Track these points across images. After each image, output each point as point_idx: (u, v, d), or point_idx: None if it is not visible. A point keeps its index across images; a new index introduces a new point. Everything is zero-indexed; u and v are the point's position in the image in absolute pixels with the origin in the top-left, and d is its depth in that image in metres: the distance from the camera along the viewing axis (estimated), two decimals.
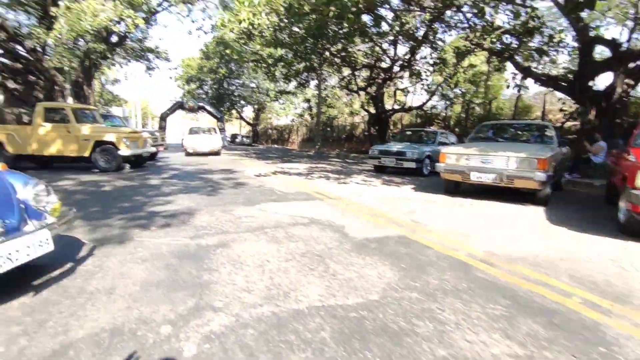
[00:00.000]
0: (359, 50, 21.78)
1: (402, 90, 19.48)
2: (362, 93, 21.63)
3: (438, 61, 16.98)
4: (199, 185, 7.44)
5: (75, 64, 17.29)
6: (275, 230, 4.11)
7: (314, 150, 24.48)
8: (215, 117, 28.34)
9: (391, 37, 16.47)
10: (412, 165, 9.77)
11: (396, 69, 18.73)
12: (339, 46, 20.20)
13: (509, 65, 14.32)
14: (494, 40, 12.09)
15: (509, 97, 20.21)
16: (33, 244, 2.37)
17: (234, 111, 42.13)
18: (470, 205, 5.87)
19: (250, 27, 11.88)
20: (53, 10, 12.76)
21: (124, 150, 9.70)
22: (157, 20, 22.64)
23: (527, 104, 19.39)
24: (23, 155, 9.76)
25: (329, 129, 29.73)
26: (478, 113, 19.15)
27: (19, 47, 16.81)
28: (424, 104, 18.64)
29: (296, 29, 16.66)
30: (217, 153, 16.95)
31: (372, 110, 21.67)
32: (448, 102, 18.51)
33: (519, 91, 15.15)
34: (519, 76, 12.85)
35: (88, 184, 7.42)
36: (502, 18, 12.93)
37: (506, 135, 7.65)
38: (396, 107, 20.48)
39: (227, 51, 23.48)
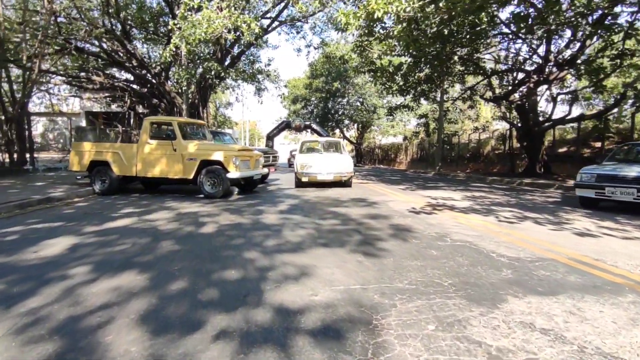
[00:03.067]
0: (491, 52, 17.90)
1: (572, 93, 14.77)
2: (500, 102, 17.40)
3: (627, 52, 12.16)
4: (338, 228, 4.80)
5: (192, 85, 17.06)
6: None
7: (433, 171, 20.77)
8: (321, 136, 26.76)
9: (545, 28, 12.32)
10: None
11: (547, 69, 14.30)
12: (465, 51, 16.70)
13: None
14: None
15: None
16: None
17: (337, 130, 40.64)
18: None
19: (385, 16, 9.32)
20: (170, 22, 12.05)
21: (233, 173, 7.73)
22: (267, 41, 21.85)
23: None
24: (129, 177, 8.47)
25: (447, 147, 25.67)
26: None
27: (145, 73, 17.29)
28: (608, 110, 13.70)
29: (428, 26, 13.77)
30: (346, 183, 10.64)
31: (506, 122, 17.27)
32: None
33: None
34: None
35: (185, 219, 5.34)
36: None
37: None
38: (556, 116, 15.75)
39: (337, 56, 21.56)
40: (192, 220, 5.29)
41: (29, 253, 3.59)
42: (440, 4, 9.34)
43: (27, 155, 12.99)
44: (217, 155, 7.84)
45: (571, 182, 10.72)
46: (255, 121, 64.38)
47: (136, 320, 2.20)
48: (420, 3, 9.08)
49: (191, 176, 7.96)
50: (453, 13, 9.54)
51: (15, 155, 12.14)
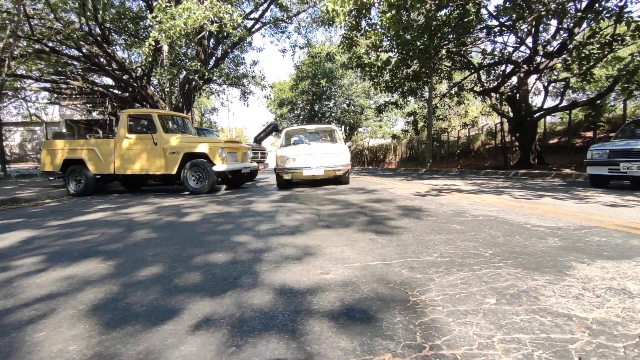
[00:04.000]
0: (478, 45, 17.74)
1: (563, 80, 14.52)
2: (490, 95, 17.19)
3: (617, 38, 11.98)
4: (339, 212, 4.23)
5: (175, 87, 16.43)
6: None
7: (425, 168, 20.41)
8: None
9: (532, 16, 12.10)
10: None
11: (538, 58, 14.12)
12: (452, 45, 16.48)
13: None
14: None
15: None
16: None
17: None
18: None
19: (374, 1, 8.89)
20: (149, 16, 11.44)
21: (219, 165, 7.12)
22: (252, 43, 21.36)
23: None
24: (106, 175, 7.77)
25: (437, 144, 25.40)
26: None
27: (127, 77, 16.57)
28: (601, 96, 13.47)
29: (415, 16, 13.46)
30: (342, 179, 8.21)
31: (497, 115, 17.03)
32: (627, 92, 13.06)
33: None
34: None
35: (165, 211, 4.71)
36: None
37: None
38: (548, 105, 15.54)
39: (324, 50, 21.19)
40: (174, 212, 4.66)
41: None
42: None
43: None
44: (202, 147, 7.22)
45: (568, 171, 10.39)
46: (242, 128, 63.43)
47: (85, 312, 1.59)
48: None
49: (174, 171, 7.32)
50: None
51: None
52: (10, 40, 11.66)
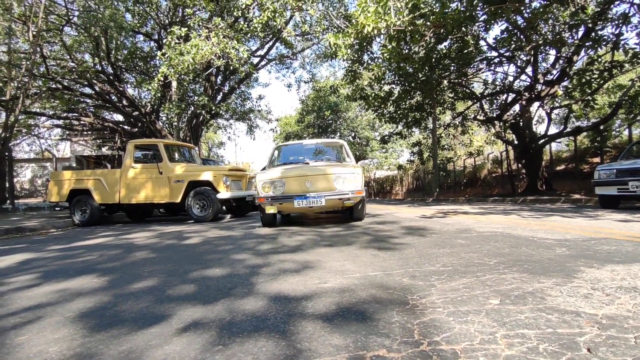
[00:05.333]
0: (479, 76, 18.12)
1: (566, 107, 14.63)
2: (494, 123, 17.32)
3: (616, 64, 12.17)
4: (342, 233, 4.17)
5: (183, 121, 16.87)
6: None
7: (432, 198, 20.25)
8: None
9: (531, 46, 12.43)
10: None
11: (538, 87, 14.33)
12: (454, 76, 16.88)
13: None
14: None
15: None
16: None
17: None
18: None
19: (375, 32, 9.21)
20: (158, 54, 11.97)
21: (223, 193, 7.13)
22: (258, 79, 22.11)
23: None
24: (111, 205, 7.81)
25: (443, 173, 25.35)
26: None
27: (137, 114, 17.08)
28: (605, 121, 13.47)
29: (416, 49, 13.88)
30: (355, 213, 5.35)
31: (503, 142, 17.07)
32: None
33: None
34: None
35: (167, 236, 4.68)
36: None
37: None
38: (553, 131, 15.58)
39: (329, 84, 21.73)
40: (175, 236, 4.63)
41: None
42: (431, 17, 9.30)
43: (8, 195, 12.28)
44: (206, 176, 7.28)
45: (577, 196, 10.22)
46: (249, 163, 64.23)
47: (71, 319, 1.53)
48: (411, 16, 9.03)
49: (178, 199, 7.34)
50: (443, 25, 9.45)
51: None
52: (26, 79, 12.19)
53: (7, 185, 12.27)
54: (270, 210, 4.89)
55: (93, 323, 1.47)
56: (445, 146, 24.75)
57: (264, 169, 6.36)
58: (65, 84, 14.65)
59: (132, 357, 1.13)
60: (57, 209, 8.37)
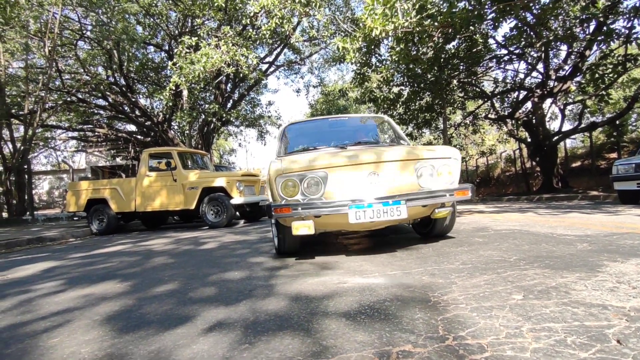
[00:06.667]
0: (490, 74, 17.95)
1: (581, 102, 14.39)
2: (506, 121, 17.11)
3: (630, 57, 11.92)
4: (358, 235, 4.12)
5: (195, 128, 17.10)
6: None
7: None
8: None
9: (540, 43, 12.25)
10: None
11: (551, 82, 14.11)
12: (463, 75, 16.74)
13: None
14: None
15: None
16: None
17: None
18: None
19: (383, 34, 9.23)
20: (169, 64, 12.19)
21: (237, 198, 7.19)
22: (267, 85, 22.29)
23: None
24: (127, 213, 7.95)
25: None
26: None
27: (150, 124, 17.39)
28: (620, 115, 13.18)
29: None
30: (437, 227, 3.13)
31: (516, 140, 16.83)
32: None
33: None
34: None
35: (184, 242, 4.74)
36: None
37: None
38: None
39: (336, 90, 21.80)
40: (192, 242, 4.69)
41: None
42: (439, 17, 9.27)
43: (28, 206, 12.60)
44: (219, 182, 7.36)
45: (595, 193, 10.01)
46: (260, 169, 64.70)
47: (99, 321, 1.57)
48: (418, 17, 9.01)
49: (193, 206, 7.43)
50: (451, 25, 9.41)
51: (14, 205, 11.76)
52: (42, 93, 12.54)
53: (27, 197, 12.60)
54: (301, 229, 2.52)
55: (120, 325, 1.50)
56: (457, 146, 24.48)
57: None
58: (80, 96, 15.00)
59: (161, 357, 1.16)
60: (75, 218, 8.55)
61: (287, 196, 2.58)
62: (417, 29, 9.66)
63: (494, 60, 16.22)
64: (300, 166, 2.57)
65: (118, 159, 23.78)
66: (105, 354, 1.22)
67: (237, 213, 7.86)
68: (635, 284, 1.48)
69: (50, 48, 11.19)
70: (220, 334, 1.32)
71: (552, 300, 1.37)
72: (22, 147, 11.94)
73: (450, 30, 10.84)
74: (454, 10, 8.68)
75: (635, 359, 0.91)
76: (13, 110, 13.39)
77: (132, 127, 19.71)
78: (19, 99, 13.77)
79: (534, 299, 1.41)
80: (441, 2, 9.55)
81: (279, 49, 17.99)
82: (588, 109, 16.49)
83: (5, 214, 12.46)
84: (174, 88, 11.63)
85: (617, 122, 13.27)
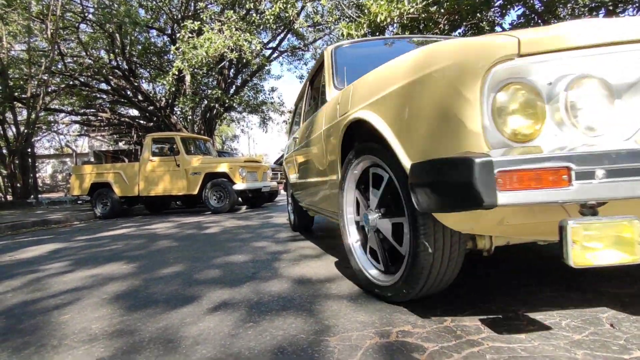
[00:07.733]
0: None
1: None
2: None
3: None
4: None
5: (198, 114, 17.05)
6: None
7: None
8: None
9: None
10: None
11: None
12: None
13: None
14: None
15: None
16: None
17: None
18: None
19: (387, 20, 9.13)
20: (172, 48, 12.09)
21: (239, 184, 7.23)
22: (270, 71, 22.06)
23: None
24: (130, 197, 8.02)
25: None
26: None
27: (152, 108, 17.34)
28: None
29: None
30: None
31: None
32: None
33: None
34: None
35: (187, 226, 4.80)
36: None
37: None
38: None
39: None
40: (195, 226, 4.74)
41: (2, 258, 3.06)
42: (445, 4, 9.15)
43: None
44: (222, 167, 7.39)
45: None
46: (262, 155, 64.62)
47: (108, 300, 1.62)
48: (424, 4, 8.89)
49: (195, 191, 7.48)
50: (458, 12, 9.29)
51: (18, 188, 11.86)
52: (45, 76, 12.50)
53: (31, 180, 12.69)
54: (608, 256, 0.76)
55: (128, 304, 1.55)
56: None
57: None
58: (83, 80, 14.94)
59: (169, 333, 1.20)
60: (78, 202, 8.64)
61: (512, 139, 0.85)
62: (423, 16, 9.56)
63: None
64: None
65: (121, 144, 23.82)
66: (115, 330, 1.26)
67: (240, 199, 7.91)
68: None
69: (52, 31, 11.11)
70: (225, 313, 1.36)
71: (548, 287, 1.41)
72: (25, 131, 11.96)
73: (456, 17, 10.69)
74: None
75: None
76: (16, 94, 13.37)
77: (134, 112, 19.65)
78: (21, 82, 13.72)
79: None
80: None
81: (282, 35, 17.77)
82: None
83: (10, 197, 12.58)
84: (176, 73, 11.57)
85: None
